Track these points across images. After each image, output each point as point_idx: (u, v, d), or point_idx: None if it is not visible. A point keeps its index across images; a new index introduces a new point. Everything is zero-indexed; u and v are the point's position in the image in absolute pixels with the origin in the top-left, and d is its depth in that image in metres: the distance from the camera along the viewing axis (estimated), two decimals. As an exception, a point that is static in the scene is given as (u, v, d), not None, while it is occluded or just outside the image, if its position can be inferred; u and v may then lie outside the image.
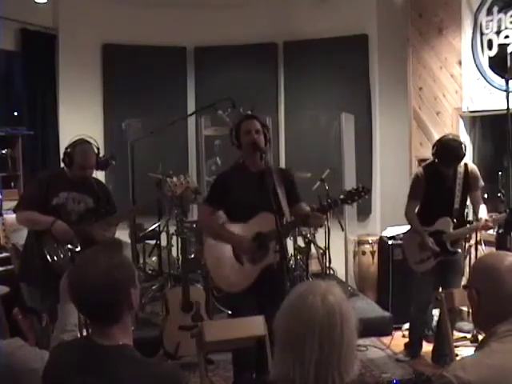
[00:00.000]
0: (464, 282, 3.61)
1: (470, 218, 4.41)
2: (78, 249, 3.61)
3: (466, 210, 4.30)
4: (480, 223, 3.99)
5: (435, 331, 4.34)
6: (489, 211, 4.15)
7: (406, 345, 4.45)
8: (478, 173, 4.16)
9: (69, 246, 3.60)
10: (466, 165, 4.11)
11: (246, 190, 3.42)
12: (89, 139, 3.70)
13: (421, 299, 4.25)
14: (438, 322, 4.21)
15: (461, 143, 4.02)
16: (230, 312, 4.09)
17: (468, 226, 4.18)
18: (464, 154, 4.01)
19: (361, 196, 3.36)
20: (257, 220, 3.40)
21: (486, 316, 1.75)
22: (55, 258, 3.58)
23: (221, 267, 3.50)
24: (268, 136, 3.50)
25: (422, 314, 4.32)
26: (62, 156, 3.69)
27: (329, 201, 3.44)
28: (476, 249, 4.51)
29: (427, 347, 4.38)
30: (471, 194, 4.13)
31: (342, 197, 3.38)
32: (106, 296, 1.61)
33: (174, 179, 3.79)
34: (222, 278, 3.55)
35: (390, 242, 5.11)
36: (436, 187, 4.10)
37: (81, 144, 3.65)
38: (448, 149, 3.97)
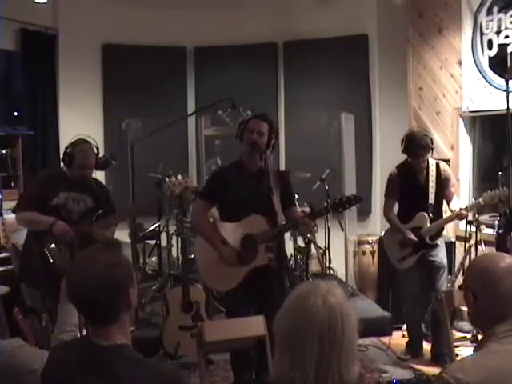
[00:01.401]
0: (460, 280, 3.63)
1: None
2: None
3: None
4: (454, 213, 4.12)
5: (432, 330, 4.35)
6: (489, 211, 4.18)
7: (407, 343, 4.48)
8: (450, 170, 4.37)
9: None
10: (437, 164, 4.25)
11: (241, 189, 3.41)
12: (88, 139, 3.70)
13: (410, 296, 4.32)
14: (435, 321, 4.22)
15: (425, 134, 4.19)
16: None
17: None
18: (429, 145, 4.12)
19: (352, 205, 3.38)
20: (248, 221, 3.40)
21: (484, 317, 1.75)
22: (56, 258, 3.58)
23: (209, 265, 3.51)
24: (273, 140, 3.46)
25: (415, 311, 4.35)
26: (61, 156, 3.69)
27: (328, 201, 3.44)
28: (476, 249, 4.52)
29: (427, 346, 4.39)
30: (444, 191, 4.23)
31: (332, 204, 3.39)
32: (104, 295, 1.61)
33: (173, 179, 3.79)
34: (209, 276, 3.59)
35: (389, 242, 5.11)
36: (410, 185, 4.23)
37: (80, 144, 3.65)
38: (412, 139, 4.13)
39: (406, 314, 4.45)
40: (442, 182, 4.21)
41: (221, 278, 3.48)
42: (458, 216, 4.12)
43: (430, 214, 4.17)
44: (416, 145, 4.11)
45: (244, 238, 3.42)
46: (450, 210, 4.23)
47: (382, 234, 5.35)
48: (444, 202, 4.29)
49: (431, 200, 4.18)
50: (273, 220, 3.30)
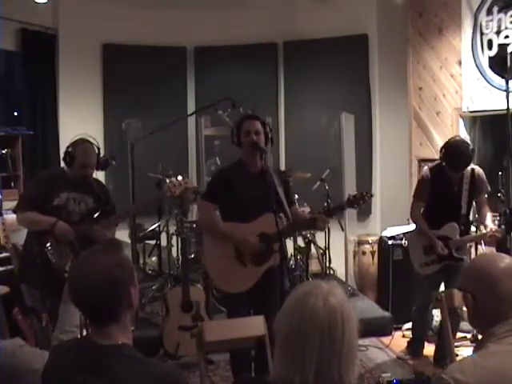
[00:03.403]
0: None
1: (471, 218, 4.39)
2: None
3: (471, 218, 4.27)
4: (488, 233, 3.94)
5: (437, 332, 4.33)
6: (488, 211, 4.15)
7: (408, 343, 4.45)
8: (485, 177, 4.10)
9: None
10: (472, 169, 4.05)
11: (247, 190, 3.39)
12: (89, 139, 3.70)
13: (422, 300, 4.22)
14: (440, 322, 4.19)
15: (469, 146, 3.96)
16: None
17: (475, 233, 4.18)
18: (472, 157, 3.97)
19: (365, 201, 3.45)
20: (262, 221, 3.37)
21: (483, 318, 1.74)
22: (56, 258, 3.57)
23: (221, 268, 3.46)
24: (269, 135, 3.49)
25: (423, 313, 4.31)
26: (62, 155, 3.69)
27: (329, 203, 3.45)
28: (476, 249, 4.51)
29: (428, 347, 4.38)
30: (477, 198, 4.08)
31: (347, 201, 3.46)
32: (105, 295, 1.61)
33: (173, 180, 3.79)
34: (223, 279, 3.51)
35: (390, 242, 5.11)
36: (442, 191, 4.05)
37: (82, 143, 3.65)
38: (457, 154, 3.91)
39: (414, 314, 4.34)
40: (475, 189, 4.02)
41: (236, 279, 3.42)
42: (491, 237, 3.96)
43: (461, 226, 4.01)
44: (460, 158, 3.89)
45: (260, 237, 3.39)
46: (483, 224, 4.01)
47: (383, 233, 5.37)
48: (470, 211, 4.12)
49: (463, 210, 4.01)
50: (285, 217, 3.31)
